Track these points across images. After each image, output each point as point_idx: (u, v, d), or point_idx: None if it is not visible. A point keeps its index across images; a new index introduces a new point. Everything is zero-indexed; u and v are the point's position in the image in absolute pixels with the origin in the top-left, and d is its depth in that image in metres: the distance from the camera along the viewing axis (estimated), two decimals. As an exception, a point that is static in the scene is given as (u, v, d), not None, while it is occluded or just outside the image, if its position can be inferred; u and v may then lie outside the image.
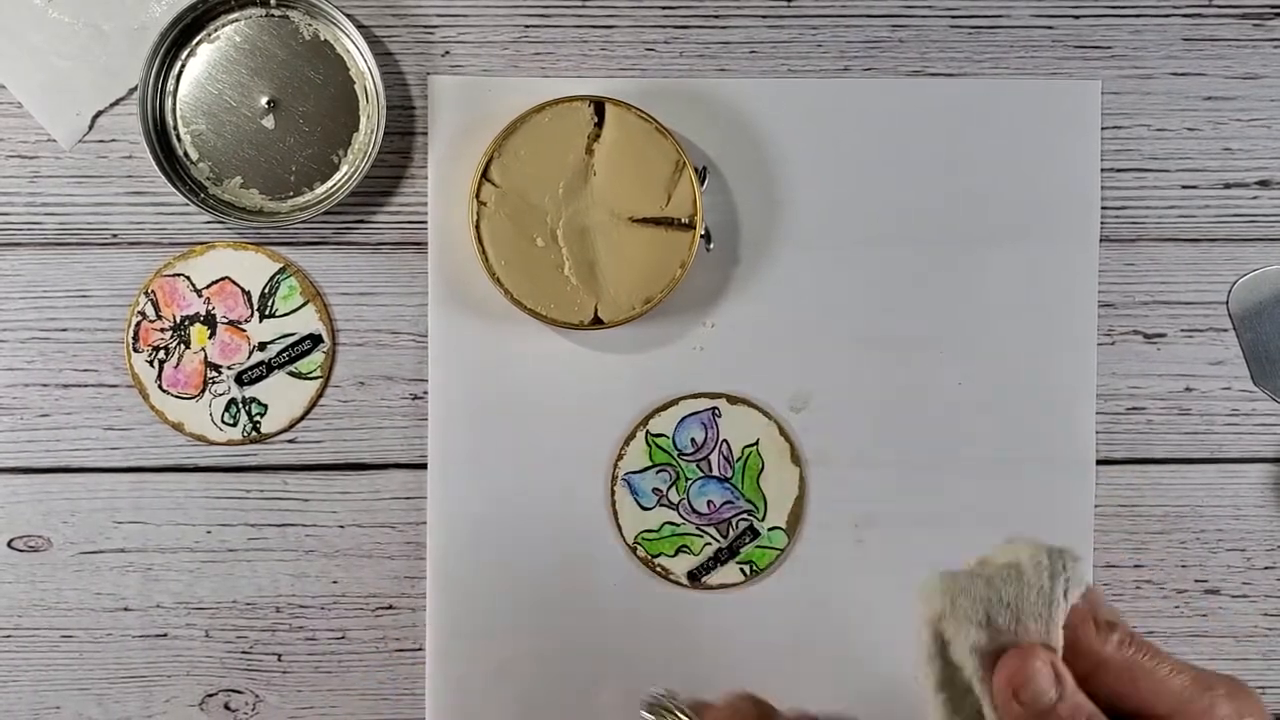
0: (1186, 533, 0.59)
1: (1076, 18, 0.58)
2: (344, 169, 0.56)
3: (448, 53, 0.57)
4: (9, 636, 0.57)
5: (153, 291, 0.46)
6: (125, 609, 0.57)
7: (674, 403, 0.57)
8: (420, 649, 0.57)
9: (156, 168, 0.54)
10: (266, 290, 0.47)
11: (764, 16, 0.57)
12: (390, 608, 0.57)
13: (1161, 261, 0.58)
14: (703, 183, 0.56)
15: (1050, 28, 0.58)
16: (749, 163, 0.57)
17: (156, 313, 0.46)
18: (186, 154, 0.56)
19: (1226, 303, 0.58)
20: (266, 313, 0.47)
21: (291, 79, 0.56)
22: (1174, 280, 0.58)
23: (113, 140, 0.56)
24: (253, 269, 0.48)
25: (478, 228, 0.55)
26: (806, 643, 0.57)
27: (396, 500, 0.57)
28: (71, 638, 0.57)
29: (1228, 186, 0.58)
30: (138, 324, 0.46)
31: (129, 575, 0.57)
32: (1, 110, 0.56)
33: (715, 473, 0.57)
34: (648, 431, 0.57)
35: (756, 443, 0.57)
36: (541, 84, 0.57)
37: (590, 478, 0.57)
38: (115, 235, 0.56)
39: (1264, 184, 0.58)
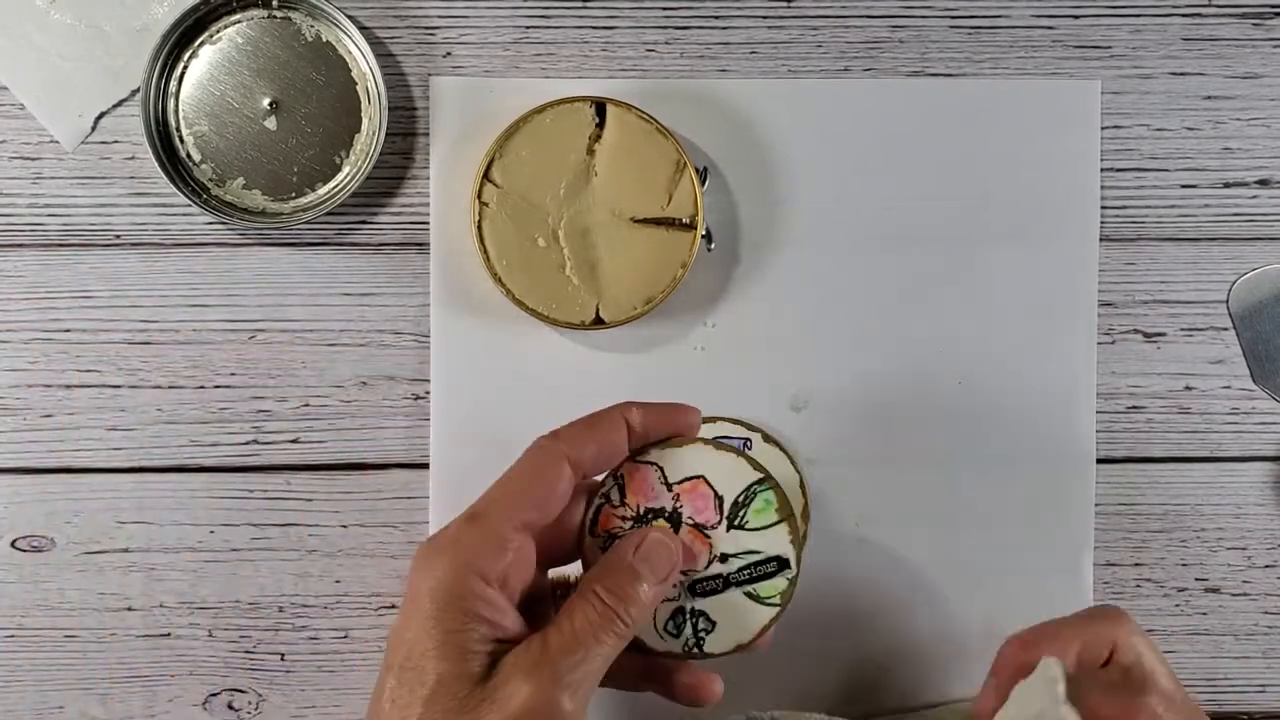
0: (1187, 531, 0.59)
1: (1076, 18, 0.58)
2: (346, 170, 0.56)
3: (449, 54, 0.57)
4: (12, 637, 0.57)
5: (621, 475, 0.44)
6: (128, 609, 0.57)
7: (712, 420, 0.57)
8: (422, 648, 0.57)
9: (159, 169, 0.55)
10: (741, 499, 0.44)
11: (764, 17, 0.57)
12: (393, 607, 0.57)
13: (1161, 260, 0.58)
14: (704, 183, 0.56)
15: (1050, 28, 0.58)
16: (750, 163, 0.57)
17: (621, 498, 0.44)
18: (189, 155, 0.56)
19: (1226, 302, 0.58)
20: (736, 523, 0.44)
21: (294, 80, 0.56)
22: (1174, 279, 0.58)
23: (115, 141, 0.56)
24: (730, 473, 0.44)
25: (479, 228, 0.55)
26: (805, 641, 0.57)
27: (399, 500, 0.57)
28: (75, 638, 0.57)
29: (1227, 186, 0.58)
30: (599, 506, 0.44)
31: (132, 575, 0.57)
32: (4, 111, 0.56)
33: None
34: None
35: None
36: (543, 85, 0.57)
37: (592, 477, 0.57)
38: (118, 236, 0.57)
39: (1264, 183, 0.58)
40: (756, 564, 0.44)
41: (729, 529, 0.44)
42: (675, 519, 0.45)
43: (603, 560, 0.43)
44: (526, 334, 0.57)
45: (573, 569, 0.46)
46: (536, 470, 0.43)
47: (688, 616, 0.45)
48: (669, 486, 0.45)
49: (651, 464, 0.45)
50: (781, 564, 0.44)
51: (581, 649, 0.40)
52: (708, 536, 0.44)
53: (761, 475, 0.45)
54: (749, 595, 0.45)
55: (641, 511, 0.44)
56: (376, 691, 0.41)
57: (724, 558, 0.44)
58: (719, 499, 0.45)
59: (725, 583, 0.44)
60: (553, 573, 0.46)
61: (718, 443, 0.45)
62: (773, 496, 0.44)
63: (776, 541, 0.44)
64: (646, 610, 0.42)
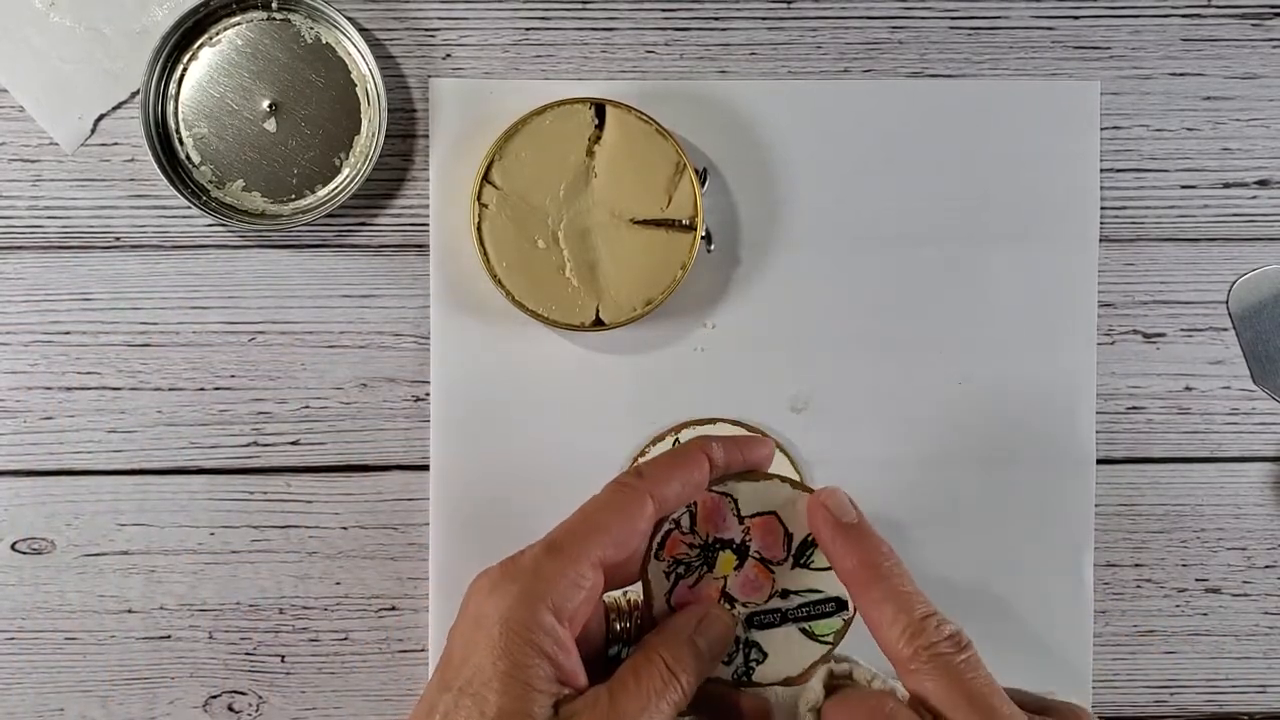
0: (1187, 532, 0.59)
1: (1075, 18, 0.58)
2: (345, 172, 0.56)
3: (449, 55, 0.57)
4: (12, 639, 0.57)
5: (694, 503, 0.44)
6: (129, 611, 0.57)
7: (712, 421, 0.57)
8: (423, 650, 0.57)
9: (159, 171, 0.55)
10: (810, 539, 0.44)
11: (764, 18, 0.57)
12: (393, 609, 0.57)
13: (1161, 261, 0.58)
14: (703, 184, 0.56)
15: (1049, 29, 0.58)
16: (749, 164, 0.57)
17: (691, 526, 0.45)
18: (188, 157, 0.56)
19: (1226, 302, 0.58)
20: (801, 562, 0.44)
21: (293, 82, 0.56)
22: (1173, 280, 0.58)
23: (115, 144, 0.56)
24: (802, 513, 0.45)
25: (479, 230, 0.55)
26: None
27: (399, 501, 0.57)
28: (75, 640, 0.57)
29: (1227, 186, 0.58)
30: (668, 531, 0.44)
31: (132, 577, 0.57)
32: (3, 114, 0.56)
33: None
34: (678, 440, 0.57)
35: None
36: (542, 86, 0.57)
37: (592, 478, 0.57)
38: (118, 238, 0.57)
39: (1263, 183, 0.58)
40: (816, 603, 0.45)
41: (794, 566, 0.45)
42: (742, 551, 0.45)
43: (665, 627, 0.43)
44: (526, 336, 0.57)
45: (618, 594, 0.46)
46: (620, 508, 0.42)
47: (741, 646, 0.45)
48: (740, 519, 0.45)
49: (726, 495, 0.45)
50: (840, 605, 0.45)
51: (645, 713, 0.40)
52: (771, 572, 0.45)
53: None
54: (804, 631, 0.45)
55: (710, 541, 0.44)
56: (426, 707, 0.40)
57: (785, 594, 0.45)
58: (788, 536, 0.45)
59: (783, 617, 0.45)
60: (607, 597, 0.45)
61: (794, 481, 0.45)
62: None
63: (838, 583, 0.44)
64: (699, 682, 0.42)
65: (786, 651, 0.45)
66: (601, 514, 0.42)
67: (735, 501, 0.45)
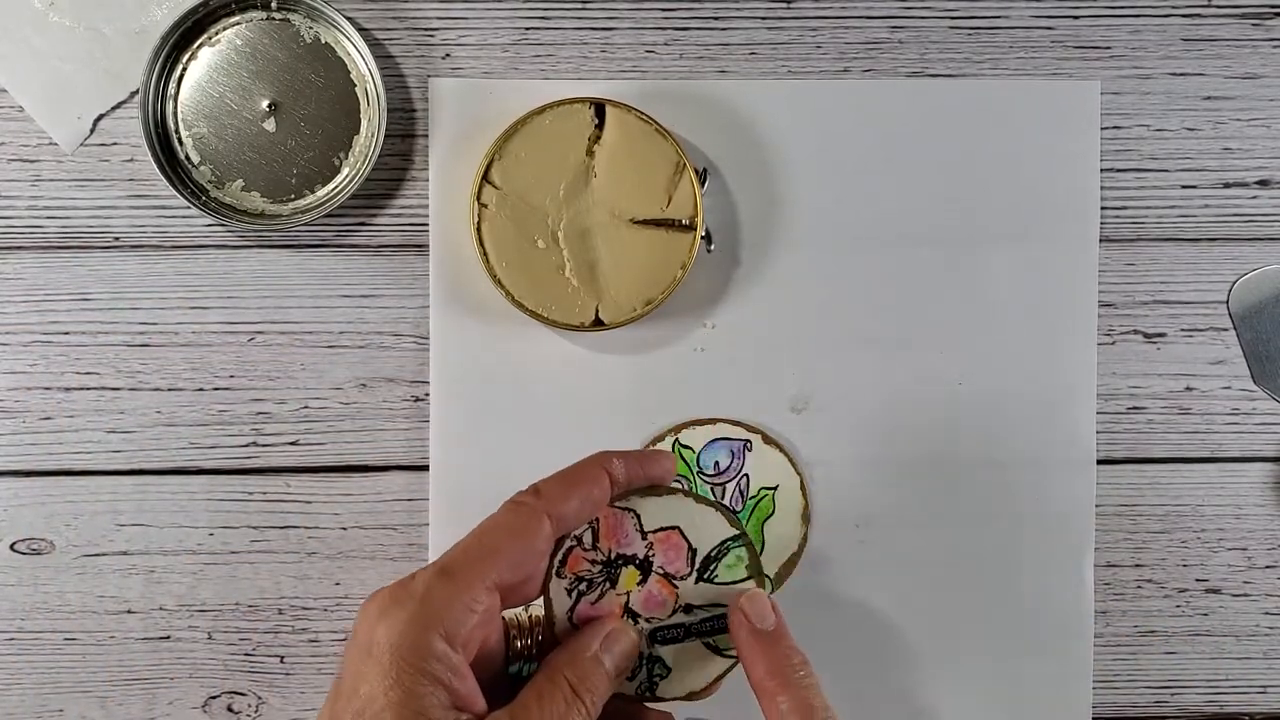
0: (1187, 532, 0.59)
1: (1076, 18, 0.58)
2: (345, 171, 0.56)
3: (448, 55, 0.57)
4: (12, 640, 0.57)
5: (596, 519, 0.44)
6: (128, 611, 0.57)
7: (712, 422, 0.57)
8: (423, 650, 0.57)
9: (158, 171, 0.55)
10: (714, 553, 0.44)
11: (763, 18, 0.57)
12: (392, 609, 0.57)
13: (1161, 261, 0.58)
14: (703, 184, 0.56)
15: (1049, 28, 0.58)
16: (749, 164, 0.57)
17: (594, 542, 0.44)
18: (188, 157, 0.56)
19: (1227, 302, 0.58)
20: (705, 576, 0.44)
21: (293, 82, 0.56)
22: (1174, 280, 0.58)
23: (114, 144, 0.56)
24: (706, 527, 0.44)
25: (479, 229, 0.55)
26: (807, 643, 0.57)
27: (398, 502, 0.57)
28: (74, 640, 0.57)
29: (1227, 186, 0.58)
30: (570, 548, 0.44)
31: (131, 578, 0.57)
32: (3, 114, 0.56)
33: (727, 503, 0.57)
34: (678, 440, 0.57)
35: (775, 488, 0.57)
36: (542, 86, 0.57)
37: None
38: (117, 238, 0.57)
39: (1263, 183, 0.58)
40: (719, 617, 0.44)
41: (698, 581, 0.44)
42: (645, 566, 0.44)
43: (569, 646, 0.42)
44: (526, 336, 0.57)
45: (518, 611, 0.45)
46: (516, 529, 0.41)
47: (644, 661, 0.44)
48: (643, 534, 0.44)
49: (629, 510, 0.44)
50: None
51: None
52: (675, 586, 0.44)
53: (737, 532, 0.45)
54: (708, 645, 0.45)
55: (612, 556, 0.44)
56: None
57: (688, 608, 0.44)
58: (692, 551, 0.45)
59: (686, 632, 0.44)
60: (507, 614, 0.44)
61: (698, 495, 0.45)
62: (745, 554, 0.45)
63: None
64: (604, 701, 0.41)
65: (690, 666, 0.45)
66: (496, 535, 0.41)
67: (638, 517, 0.44)
